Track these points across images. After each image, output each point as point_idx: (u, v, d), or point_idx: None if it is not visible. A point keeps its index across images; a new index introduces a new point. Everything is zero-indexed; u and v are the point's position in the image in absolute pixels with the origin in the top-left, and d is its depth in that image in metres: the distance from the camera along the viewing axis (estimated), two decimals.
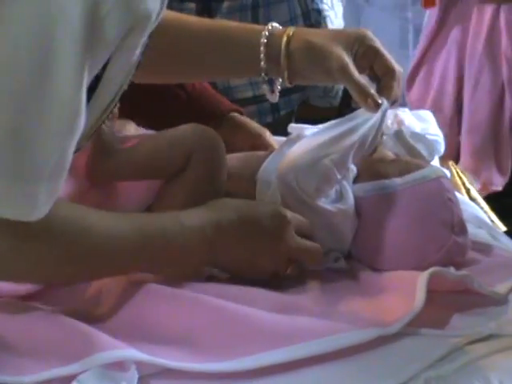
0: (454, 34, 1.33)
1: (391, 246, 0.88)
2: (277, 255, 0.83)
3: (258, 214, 0.84)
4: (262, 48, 0.92)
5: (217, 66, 0.99)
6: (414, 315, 0.74)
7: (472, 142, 1.40)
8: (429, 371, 0.68)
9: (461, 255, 0.90)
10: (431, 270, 0.78)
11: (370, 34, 0.92)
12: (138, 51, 0.73)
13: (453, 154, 1.44)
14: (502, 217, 1.14)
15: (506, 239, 1.04)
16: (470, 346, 0.73)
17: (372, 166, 0.94)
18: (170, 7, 1.14)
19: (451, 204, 0.90)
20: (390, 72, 0.91)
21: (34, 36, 0.61)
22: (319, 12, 1.25)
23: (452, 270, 0.83)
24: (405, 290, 0.78)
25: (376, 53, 0.91)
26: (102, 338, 0.70)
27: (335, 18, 1.45)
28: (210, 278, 0.85)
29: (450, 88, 1.39)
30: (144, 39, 0.72)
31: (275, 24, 0.94)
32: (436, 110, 1.32)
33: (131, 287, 0.78)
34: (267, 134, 1.11)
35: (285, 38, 0.92)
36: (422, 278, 0.77)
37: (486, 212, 1.14)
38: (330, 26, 1.38)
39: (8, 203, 0.65)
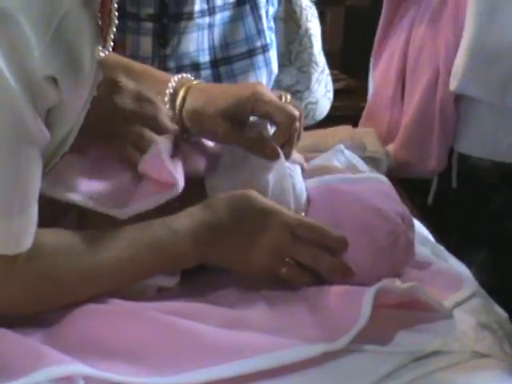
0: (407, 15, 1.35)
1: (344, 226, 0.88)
2: (271, 253, 0.83)
3: (251, 211, 0.83)
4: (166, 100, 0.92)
5: None
6: (358, 331, 0.74)
7: (405, 126, 1.38)
8: None
9: (406, 253, 0.91)
10: (378, 285, 0.79)
11: (262, 94, 0.89)
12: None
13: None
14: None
15: (449, 256, 1.06)
16: (416, 363, 0.74)
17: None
18: (127, 27, 1.13)
19: (400, 200, 0.93)
20: (288, 120, 0.90)
21: None
22: (273, 30, 1.27)
23: (398, 282, 0.85)
24: (351, 306, 0.79)
25: (270, 112, 0.89)
26: (50, 353, 0.69)
27: None
28: (159, 290, 0.85)
29: (393, 72, 1.40)
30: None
31: (185, 75, 0.94)
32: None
33: (79, 303, 0.78)
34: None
35: (181, 95, 0.91)
36: (368, 294, 0.78)
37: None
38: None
39: None
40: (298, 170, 0.96)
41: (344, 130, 1.30)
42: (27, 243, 0.70)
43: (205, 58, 1.19)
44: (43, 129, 0.68)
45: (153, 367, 0.71)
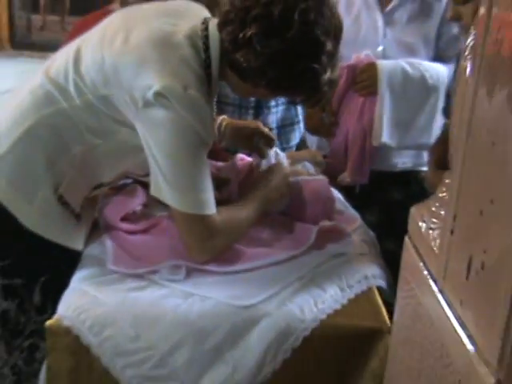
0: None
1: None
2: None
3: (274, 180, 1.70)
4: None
5: None
6: (308, 245, 1.61)
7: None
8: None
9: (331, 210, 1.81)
10: (319, 224, 1.66)
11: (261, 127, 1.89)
12: None
13: None
14: None
15: (350, 208, 1.97)
16: (335, 258, 1.61)
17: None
18: None
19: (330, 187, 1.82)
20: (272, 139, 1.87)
21: None
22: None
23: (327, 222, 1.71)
24: (306, 234, 1.64)
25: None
26: (170, 254, 1.50)
27: None
28: None
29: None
30: None
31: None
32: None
33: None
34: None
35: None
36: (314, 228, 1.64)
37: None
38: None
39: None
40: (285, 157, 1.84)
41: (307, 151, 2.22)
42: (214, 208, 1.47)
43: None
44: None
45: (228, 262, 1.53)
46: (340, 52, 1.52)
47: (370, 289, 1.54)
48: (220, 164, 1.93)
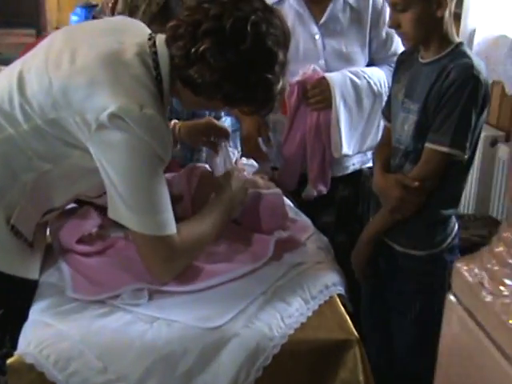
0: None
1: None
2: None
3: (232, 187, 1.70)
4: None
5: None
6: (267, 258, 1.61)
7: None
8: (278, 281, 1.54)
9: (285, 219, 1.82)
10: (276, 235, 1.66)
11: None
12: None
13: None
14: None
15: (302, 215, 1.98)
16: (292, 269, 1.61)
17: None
18: None
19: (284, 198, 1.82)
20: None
21: None
22: None
23: (283, 233, 1.72)
24: (264, 246, 1.64)
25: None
26: (131, 277, 1.47)
27: None
28: None
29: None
30: None
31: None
32: None
33: None
34: None
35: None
36: (272, 239, 1.64)
37: None
38: None
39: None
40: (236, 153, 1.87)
41: None
42: (174, 228, 1.43)
43: None
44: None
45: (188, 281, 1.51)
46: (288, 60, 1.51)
47: (331, 298, 1.55)
48: (170, 176, 1.90)
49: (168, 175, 1.90)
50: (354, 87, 2.12)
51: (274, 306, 1.45)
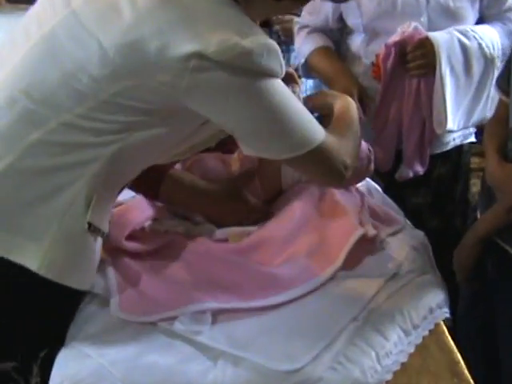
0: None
1: None
2: None
3: None
4: None
5: None
6: (336, 268, 1.29)
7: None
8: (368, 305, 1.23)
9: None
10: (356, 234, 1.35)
11: None
12: None
13: None
14: None
15: (391, 202, 1.65)
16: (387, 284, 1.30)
17: None
18: None
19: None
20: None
21: None
22: None
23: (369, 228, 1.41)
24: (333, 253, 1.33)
25: None
26: (191, 293, 1.19)
27: None
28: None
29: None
30: None
31: None
32: None
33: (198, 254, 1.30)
34: None
35: None
36: (348, 242, 1.34)
37: None
38: None
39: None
40: None
41: None
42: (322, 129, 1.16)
43: None
44: None
45: (245, 296, 1.22)
46: None
47: (436, 325, 1.25)
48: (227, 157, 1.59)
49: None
50: (463, 50, 1.75)
51: (368, 339, 1.15)
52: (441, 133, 1.81)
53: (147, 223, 1.37)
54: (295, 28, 2.16)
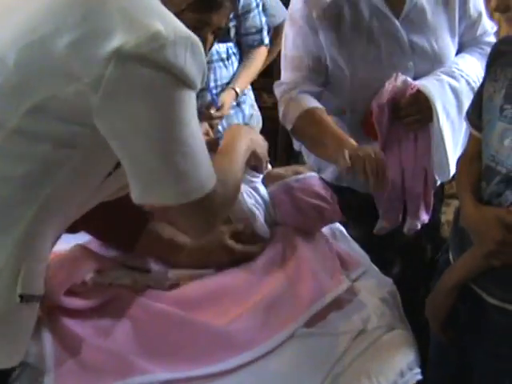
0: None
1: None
2: None
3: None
4: None
5: None
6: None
7: None
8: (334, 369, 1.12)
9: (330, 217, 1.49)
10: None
11: None
12: None
13: None
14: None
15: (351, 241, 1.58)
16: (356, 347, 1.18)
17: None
18: None
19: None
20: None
21: None
22: None
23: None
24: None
25: None
26: (137, 362, 1.06)
27: None
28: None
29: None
30: None
31: None
32: None
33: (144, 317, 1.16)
34: None
35: None
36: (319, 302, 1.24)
37: None
38: None
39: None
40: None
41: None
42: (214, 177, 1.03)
43: None
44: None
45: (191, 362, 1.10)
46: None
47: None
48: None
49: None
50: (455, 94, 1.67)
51: None
52: (444, 180, 1.75)
53: (89, 276, 1.24)
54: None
